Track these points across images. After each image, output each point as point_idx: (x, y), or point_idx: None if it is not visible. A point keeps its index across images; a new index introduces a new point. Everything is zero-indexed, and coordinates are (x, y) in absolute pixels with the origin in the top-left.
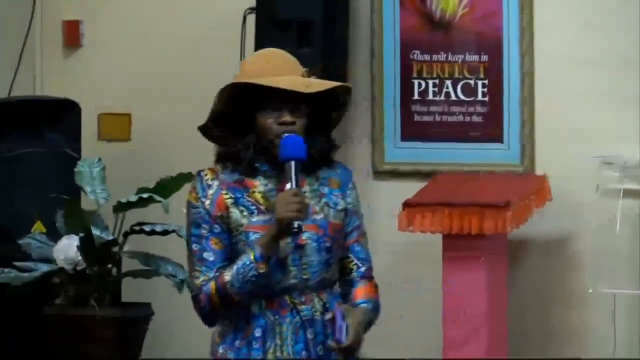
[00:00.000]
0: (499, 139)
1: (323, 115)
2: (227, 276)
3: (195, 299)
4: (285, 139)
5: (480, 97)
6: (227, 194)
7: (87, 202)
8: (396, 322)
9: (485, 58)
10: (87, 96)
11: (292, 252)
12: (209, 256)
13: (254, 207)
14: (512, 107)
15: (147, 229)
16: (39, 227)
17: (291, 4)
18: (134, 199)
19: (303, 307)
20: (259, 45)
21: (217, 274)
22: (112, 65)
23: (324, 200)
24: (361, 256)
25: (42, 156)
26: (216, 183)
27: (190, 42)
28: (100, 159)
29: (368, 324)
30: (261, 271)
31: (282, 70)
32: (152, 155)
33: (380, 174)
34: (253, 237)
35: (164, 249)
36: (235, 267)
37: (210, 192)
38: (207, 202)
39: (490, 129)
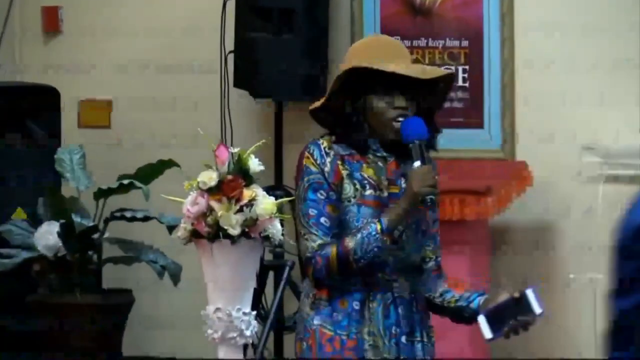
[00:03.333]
0: (479, 124)
1: (437, 103)
2: (350, 243)
3: (309, 260)
4: (406, 121)
5: (460, 83)
6: (342, 165)
7: (68, 189)
8: None
9: (465, 44)
10: (66, 83)
11: (406, 229)
12: (326, 221)
13: (366, 182)
14: (492, 93)
15: (128, 215)
16: (19, 213)
17: None
18: (114, 185)
19: (395, 285)
20: (238, 32)
21: (334, 239)
22: (92, 52)
23: None
24: (437, 246)
25: (21, 143)
26: (332, 152)
27: (170, 28)
28: (80, 146)
29: None
30: (386, 242)
31: (395, 56)
32: (132, 142)
33: None
34: (365, 211)
35: (144, 235)
36: (359, 235)
37: (328, 159)
38: (327, 169)
39: (470, 115)
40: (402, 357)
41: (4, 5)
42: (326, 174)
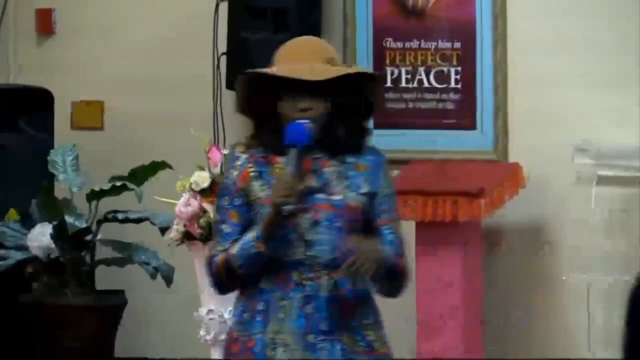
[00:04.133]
0: (472, 126)
1: (358, 102)
2: (233, 250)
3: (207, 266)
4: (290, 125)
5: (453, 84)
6: (252, 167)
7: (61, 190)
8: None
9: (457, 45)
10: (59, 84)
11: (310, 228)
12: (226, 228)
13: (273, 182)
14: (485, 94)
15: (121, 216)
16: (12, 215)
17: None
18: (107, 186)
19: (309, 282)
20: (231, 34)
21: (229, 246)
22: (85, 53)
23: (346, 182)
24: (388, 239)
25: (15, 144)
26: (245, 156)
27: (163, 29)
28: (73, 146)
29: (381, 260)
30: (259, 250)
31: (301, 57)
32: (125, 143)
33: None
34: (267, 210)
35: (137, 236)
36: (240, 242)
37: (238, 163)
38: (235, 173)
39: (463, 116)
40: (310, 358)
41: None
42: (233, 179)
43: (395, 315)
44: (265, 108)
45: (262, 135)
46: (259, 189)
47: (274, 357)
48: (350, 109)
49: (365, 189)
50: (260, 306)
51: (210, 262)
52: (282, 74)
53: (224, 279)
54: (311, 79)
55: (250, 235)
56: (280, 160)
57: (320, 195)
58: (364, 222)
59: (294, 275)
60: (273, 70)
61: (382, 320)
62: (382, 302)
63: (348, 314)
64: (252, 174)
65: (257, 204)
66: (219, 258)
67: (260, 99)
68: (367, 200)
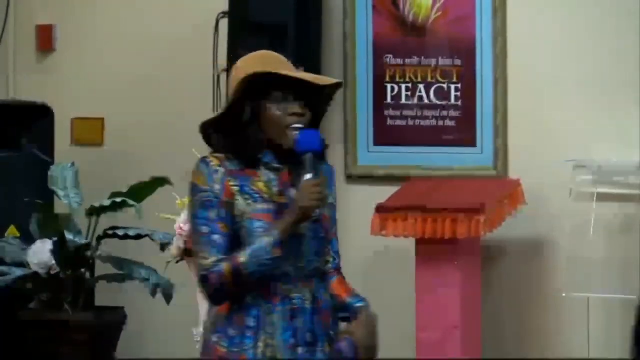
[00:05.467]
0: (471, 142)
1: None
2: (242, 258)
3: (205, 278)
4: (302, 132)
5: (453, 101)
6: (232, 181)
7: (60, 207)
8: None
9: (458, 62)
10: (60, 100)
11: (297, 240)
12: (218, 238)
13: (257, 195)
14: (485, 111)
15: (120, 233)
16: (12, 231)
17: (264, 8)
18: (107, 203)
19: (295, 295)
20: (231, 50)
21: (226, 255)
22: (85, 70)
23: None
24: (335, 249)
25: (15, 160)
26: (221, 170)
27: (163, 46)
28: (73, 163)
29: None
30: (276, 255)
31: (283, 66)
32: (125, 159)
33: (353, 178)
34: (257, 224)
35: (137, 252)
36: (250, 250)
37: (217, 177)
38: (217, 187)
39: (463, 133)
40: None
41: None
42: (217, 192)
43: (397, 334)
44: (245, 116)
45: (241, 147)
46: (244, 204)
47: None
48: (320, 118)
49: (330, 198)
50: (250, 322)
51: (208, 274)
52: (303, 77)
53: (231, 287)
54: (320, 84)
55: (264, 241)
56: (259, 172)
57: None
58: None
59: (279, 288)
60: (286, 71)
61: None
62: (381, 307)
63: (326, 324)
64: (234, 188)
65: (243, 219)
66: (224, 267)
67: (246, 101)
68: (329, 210)
